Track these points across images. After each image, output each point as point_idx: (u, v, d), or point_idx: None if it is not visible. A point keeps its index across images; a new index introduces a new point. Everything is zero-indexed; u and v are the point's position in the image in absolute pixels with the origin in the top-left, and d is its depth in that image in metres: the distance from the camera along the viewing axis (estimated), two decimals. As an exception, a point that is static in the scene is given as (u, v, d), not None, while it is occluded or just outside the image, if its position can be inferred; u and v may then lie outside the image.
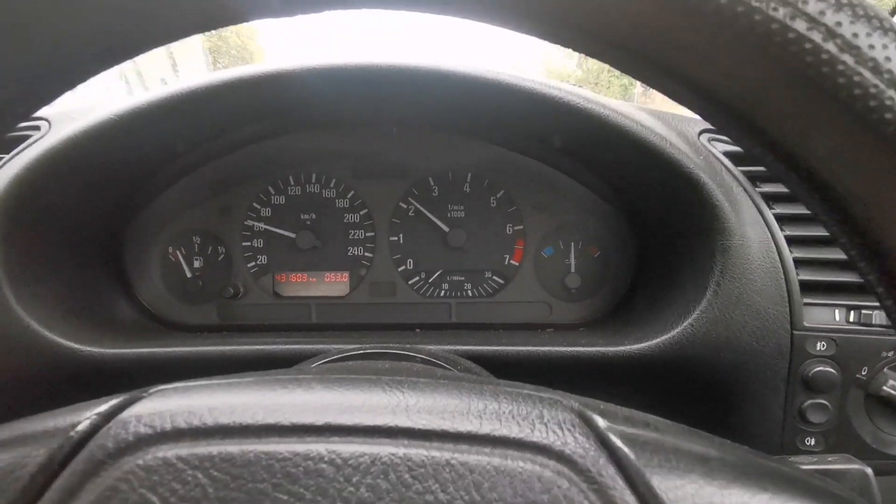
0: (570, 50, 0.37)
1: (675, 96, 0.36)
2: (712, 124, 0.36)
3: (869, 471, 0.59)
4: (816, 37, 0.29)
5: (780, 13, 0.29)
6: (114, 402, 0.38)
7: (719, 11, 0.29)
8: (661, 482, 0.33)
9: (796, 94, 0.30)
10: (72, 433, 0.35)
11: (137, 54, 0.38)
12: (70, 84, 0.39)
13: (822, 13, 0.29)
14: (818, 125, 0.31)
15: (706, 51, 0.31)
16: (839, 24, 0.29)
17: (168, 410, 0.36)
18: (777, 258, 0.98)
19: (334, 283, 1.36)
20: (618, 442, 0.35)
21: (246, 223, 1.35)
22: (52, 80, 0.38)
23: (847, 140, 0.30)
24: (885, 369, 0.97)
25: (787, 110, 0.32)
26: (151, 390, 0.40)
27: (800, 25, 0.29)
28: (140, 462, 0.33)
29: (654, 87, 0.36)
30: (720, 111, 0.34)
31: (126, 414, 0.36)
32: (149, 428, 0.34)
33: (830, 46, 0.29)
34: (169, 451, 0.33)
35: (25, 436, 0.36)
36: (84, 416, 0.36)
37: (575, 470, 0.33)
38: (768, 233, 1.00)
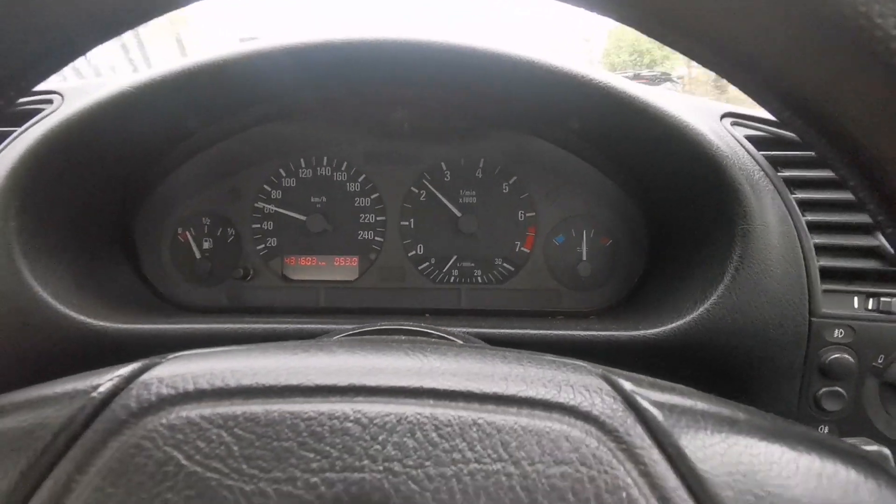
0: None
1: (706, 62, 0.36)
2: (742, 89, 0.36)
3: (887, 451, 0.60)
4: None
5: None
6: (134, 365, 0.38)
7: None
8: (689, 442, 0.33)
9: (832, 52, 0.30)
10: (94, 394, 0.36)
11: (146, 20, 0.39)
12: (76, 54, 0.39)
13: None
14: (853, 83, 0.31)
15: (741, 8, 0.32)
16: None
17: (189, 372, 0.36)
18: (797, 244, 0.99)
19: (344, 267, 1.37)
20: (645, 403, 0.35)
21: (256, 205, 1.36)
22: (60, 48, 0.38)
23: (882, 99, 0.30)
24: (902, 357, 0.98)
25: (822, 68, 0.32)
26: (170, 356, 0.40)
27: None
28: (163, 421, 0.33)
29: (681, 51, 0.37)
30: (751, 74, 0.35)
31: (148, 376, 0.37)
32: (171, 388, 0.35)
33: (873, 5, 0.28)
34: (192, 411, 0.34)
35: (47, 398, 0.37)
36: (106, 378, 0.37)
37: (603, 430, 0.33)
38: (789, 218, 1.00)
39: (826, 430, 1.00)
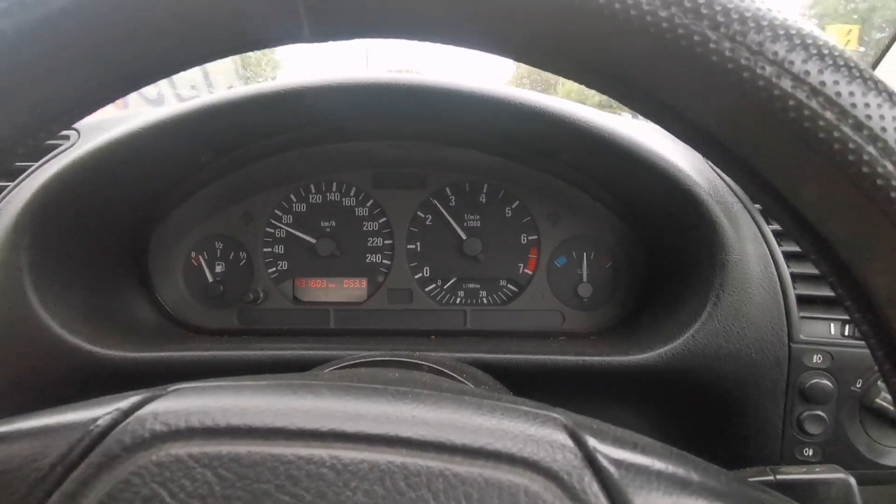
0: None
1: (679, 135, 0.40)
2: (713, 163, 0.42)
3: (852, 480, 0.65)
4: (801, 94, 0.32)
5: (767, 72, 0.32)
6: (134, 399, 0.40)
7: (712, 67, 0.33)
8: (642, 502, 0.35)
9: (784, 145, 0.33)
10: (92, 427, 0.38)
11: (167, 76, 0.43)
12: (98, 105, 0.43)
13: (808, 73, 0.32)
14: (805, 174, 0.34)
15: (702, 99, 0.35)
16: (823, 83, 0.31)
17: (183, 410, 0.38)
18: (775, 273, 1.05)
19: (352, 290, 1.44)
20: (605, 462, 0.37)
21: (267, 230, 1.43)
22: (86, 100, 0.42)
23: (831, 190, 0.33)
24: (878, 382, 1.03)
25: (777, 158, 0.35)
26: (170, 388, 0.42)
27: (785, 84, 0.32)
28: (153, 458, 0.35)
29: (659, 125, 0.41)
30: (718, 152, 0.38)
31: (144, 411, 0.39)
32: (164, 426, 0.37)
33: (814, 104, 0.31)
34: (181, 449, 0.36)
35: (48, 427, 0.39)
36: (105, 411, 0.39)
37: (561, 486, 0.35)
38: (766, 248, 1.06)
39: (811, 453, 1.06)
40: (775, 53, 0.32)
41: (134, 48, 0.39)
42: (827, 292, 1.06)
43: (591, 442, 0.39)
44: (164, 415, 0.38)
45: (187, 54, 0.41)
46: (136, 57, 0.40)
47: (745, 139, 0.36)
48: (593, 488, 0.35)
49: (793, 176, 0.35)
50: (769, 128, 0.34)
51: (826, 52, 0.32)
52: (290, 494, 0.34)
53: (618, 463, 0.37)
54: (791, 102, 0.32)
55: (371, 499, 0.34)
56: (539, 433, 0.39)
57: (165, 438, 0.37)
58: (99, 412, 0.39)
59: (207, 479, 0.35)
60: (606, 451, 0.38)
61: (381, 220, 1.44)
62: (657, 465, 0.38)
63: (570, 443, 0.38)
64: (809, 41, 0.32)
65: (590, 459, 0.37)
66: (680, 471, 0.39)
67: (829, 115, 0.32)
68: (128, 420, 0.38)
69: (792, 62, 0.32)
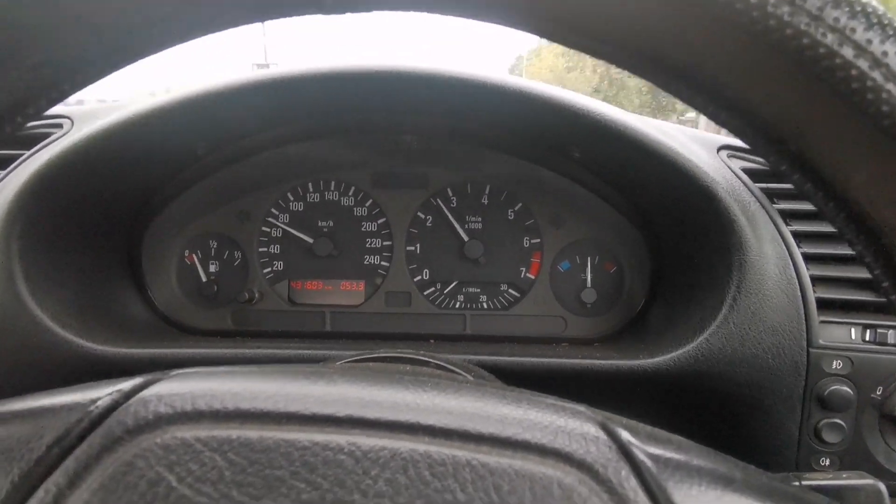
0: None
1: (719, 120, 0.38)
2: (753, 149, 0.37)
3: (882, 486, 0.62)
4: (863, 64, 0.30)
5: (829, 39, 0.30)
6: (136, 381, 0.39)
7: (768, 33, 0.31)
8: (683, 497, 0.34)
9: (840, 120, 0.32)
10: (91, 408, 0.36)
11: (176, 44, 0.40)
12: (103, 72, 0.40)
13: (870, 42, 0.30)
14: (859, 152, 0.32)
15: (753, 73, 0.33)
16: (885, 53, 0.30)
17: (189, 392, 0.37)
18: (794, 275, 1.01)
19: (350, 292, 1.40)
20: (641, 455, 0.35)
21: (263, 229, 1.39)
22: (83, 67, 0.39)
23: (886, 169, 0.32)
24: (900, 388, 1.00)
25: (829, 136, 0.33)
26: (173, 373, 0.41)
27: (847, 52, 0.30)
28: (158, 440, 0.34)
29: (699, 111, 0.38)
30: (763, 137, 0.36)
31: (147, 393, 0.37)
32: (169, 407, 0.36)
33: (876, 75, 0.30)
34: (188, 432, 0.34)
35: (44, 408, 0.38)
36: (105, 393, 0.38)
37: (596, 479, 0.34)
38: (785, 249, 1.03)
39: (827, 463, 1.02)
40: (836, 20, 0.30)
41: (147, 10, 0.37)
42: (848, 296, 1.03)
43: (625, 435, 0.37)
44: (169, 397, 0.37)
45: (204, 20, 0.39)
46: (148, 21, 0.38)
47: (795, 115, 0.34)
48: (630, 482, 0.34)
49: (845, 154, 0.33)
50: (825, 101, 0.32)
51: (886, 21, 0.30)
52: (305, 481, 0.33)
53: (654, 457, 0.36)
54: (853, 72, 0.30)
55: (393, 488, 0.33)
56: (569, 425, 0.37)
57: (170, 421, 0.35)
58: (98, 393, 0.38)
59: (217, 464, 0.33)
60: (641, 445, 0.37)
61: (380, 221, 1.41)
62: (696, 460, 0.37)
63: (602, 435, 0.37)
64: (870, 9, 0.31)
65: (625, 453, 0.36)
66: (721, 467, 0.38)
67: (891, 86, 0.30)
68: (129, 402, 0.37)
69: (854, 29, 0.30)
